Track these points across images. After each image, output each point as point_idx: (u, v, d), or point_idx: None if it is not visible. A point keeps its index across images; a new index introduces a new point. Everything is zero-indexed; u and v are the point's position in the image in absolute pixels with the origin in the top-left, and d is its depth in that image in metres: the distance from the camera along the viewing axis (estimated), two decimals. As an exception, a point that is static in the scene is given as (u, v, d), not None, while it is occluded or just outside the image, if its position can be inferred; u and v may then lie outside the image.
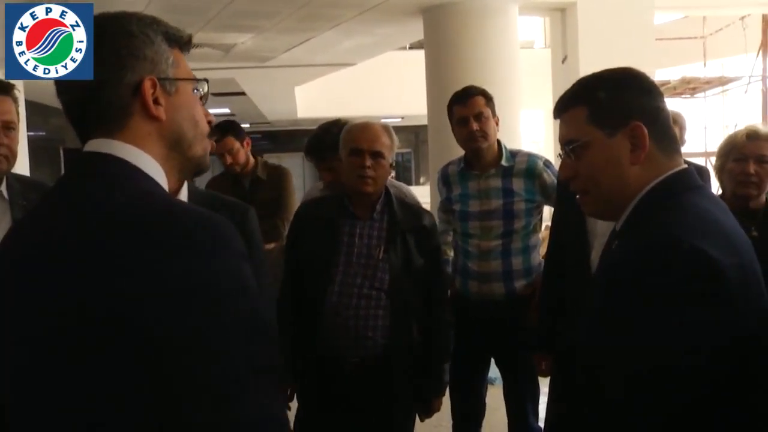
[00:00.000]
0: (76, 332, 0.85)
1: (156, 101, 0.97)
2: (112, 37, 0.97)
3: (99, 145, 0.96)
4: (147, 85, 0.96)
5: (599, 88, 1.24)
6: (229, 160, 3.58)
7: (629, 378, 1.06)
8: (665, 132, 1.22)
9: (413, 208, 2.41)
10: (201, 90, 1.05)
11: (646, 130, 1.18)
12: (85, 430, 0.87)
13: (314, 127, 2.98)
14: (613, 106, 1.21)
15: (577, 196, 1.31)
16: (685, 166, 1.22)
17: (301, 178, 15.33)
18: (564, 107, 1.27)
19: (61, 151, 11.56)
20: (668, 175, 1.19)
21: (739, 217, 2.40)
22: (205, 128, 1.05)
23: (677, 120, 3.83)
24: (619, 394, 1.07)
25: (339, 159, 2.37)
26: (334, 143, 2.49)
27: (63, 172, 1.01)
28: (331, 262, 2.20)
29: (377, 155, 2.20)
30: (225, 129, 3.61)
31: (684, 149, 4.28)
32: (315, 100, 11.29)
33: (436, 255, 2.35)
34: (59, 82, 1.02)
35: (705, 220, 1.12)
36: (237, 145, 3.59)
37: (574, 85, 1.28)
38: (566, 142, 1.26)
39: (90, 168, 0.96)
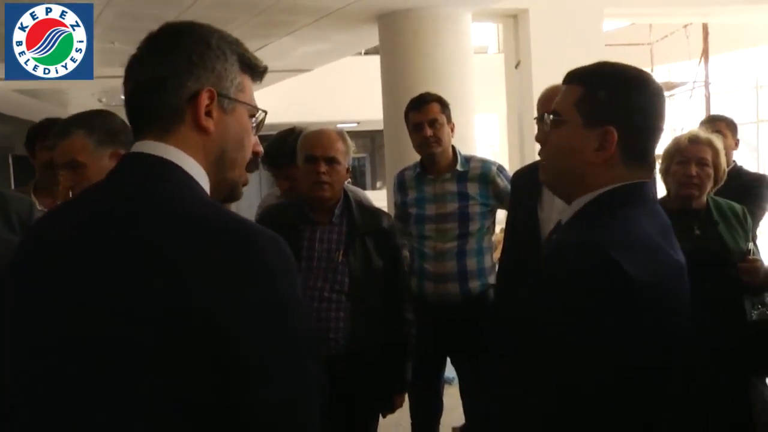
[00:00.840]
0: (142, 336, 0.86)
1: (208, 113, 0.98)
2: (190, 43, 0.99)
3: (154, 147, 0.97)
4: (204, 95, 0.97)
5: (602, 79, 1.24)
6: None
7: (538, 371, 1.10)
8: (638, 147, 1.22)
9: (372, 210, 2.45)
10: (257, 119, 1.06)
11: (616, 138, 1.19)
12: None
13: (270, 132, 2.98)
14: (601, 103, 1.21)
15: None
16: (642, 180, 1.22)
17: (257, 184, 15.20)
18: (570, 79, 1.28)
19: (10, 158, 11.26)
20: (622, 185, 1.20)
21: (683, 216, 2.53)
22: (248, 156, 1.06)
23: None
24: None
25: (296, 167, 2.39)
26: (291, 152, 2.51)
27: (117, 169, 1.01)
28: None
29: (332, 161, 2.25)
30: None
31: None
32: (271, 106, 11.07)
33: (396, 255, 2.40)
34: (127, 76, 1.01)
35: (636, 237, 1.14)
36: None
37: (594, 63, 1.29)
38: (552, 110, 1.29)
39: (150, 171, 0.96)
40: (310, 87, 10.51)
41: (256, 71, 1.05)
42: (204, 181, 0.99)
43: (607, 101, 1.21)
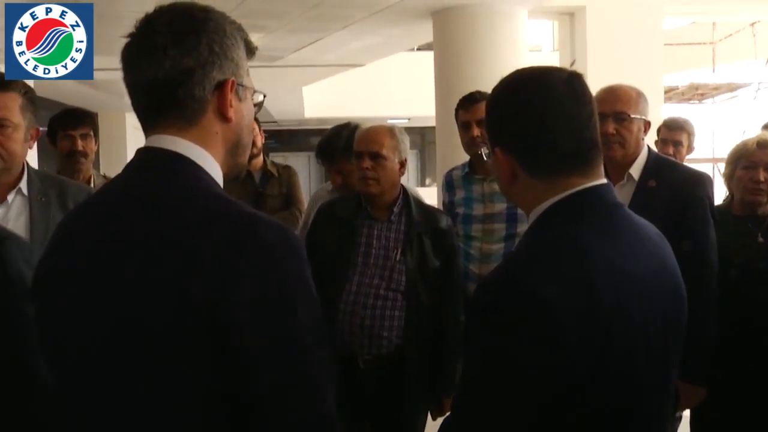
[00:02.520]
0: (149, 325, 0.89)
1: (230, 103, 0.99)
2: (210, 31, 0.98)
3: (168, 142, 0.97)
4: (229, 85, 0.99)
5: (488, 104, 1.21)
6: None
7: (460, 407, 1.05)
8: (539, 158, 1.11)
9: (430, 209, 2.47)
10: (256, 100, 1.07)
11: (502, 157, 1.13)
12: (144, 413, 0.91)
13: (321, 127, 3.03)
14: (489, 131, 1.19)
15: None
16: (579, 189, 1.10)
17: (306, 177, 15.35)
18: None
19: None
20: (553, 203, 1.10)
21: (746, 222, 2.46)
22: (252, 139, 1.08)
23: (685, 127, 3.83)
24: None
25: (348, 162, 2.40)
26: (344, 146, 2.54)
27: (132, 163, 1.02)
28: (348, 262, 2.27)
29: (376, 156, 2.28)
30: None
31: (692, 155, 4.27)
32: (322, 100, 11.30)
33: (452, 256, 2.40)
34: (135, 61, 0.99)
35: (561, 256, 1.04)
36: (257, 128, 3.69)
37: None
38: None
39: (164, 165, 0.97)
40: (361, 82, 10.53)
41: (251, 53, 1.06)
42: (216, 172, 1.00)
43: (490, 125, 1.19)
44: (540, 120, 1.10)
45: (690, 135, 3.77)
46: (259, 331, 0.88)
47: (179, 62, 0.96)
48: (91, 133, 2.94)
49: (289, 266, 0.91)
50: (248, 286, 0.88)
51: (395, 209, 2.33)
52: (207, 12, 1.00)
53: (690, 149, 3.82)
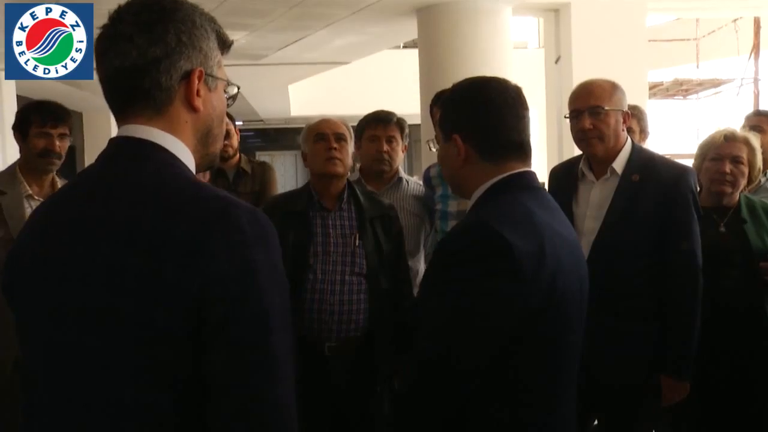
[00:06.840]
0: (125, 311, 0.89)
1: (198, 93, 1.00)
2: (178, 21, 0.98)
3: (140, 131, 0.99)
4: (196, 74, 0.99)
5: (449, 98, 1.47)
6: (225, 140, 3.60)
7: (428, 336, 1.27)
8: (492, 143, 1.39)
9: (375, 196, 2.56)
10: (229, 93, 1.09)
11: (460, 142, 1.38)
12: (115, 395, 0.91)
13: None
14: (445, 119, 1.44)
15: None
16: (520, 170, 1.39)
17: (293, 176, 15.29)
18: (436, 103, 1.54)
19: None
20: (499, 179, 1.38)
21: (712, 213, 2.53)
22: (224, 129, 1.10)
23: (633, 112, 3.72)
24: (420, 354, 1.27)
25: None
26: None
27: (105, 153, 1.03)
28: (308, 252, 2.31)
29: (341, 138, 2.36)
30: None
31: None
32: (308, 98, 11.27)
33: (400, 239, 2.48)
34: (104, 52, 1.00)
35: (516, 214, 1.31)
36: (233, 128, 3.64)
37: (454, 84, 1.50)
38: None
39: (136, 153, 0.98)
40: (347, 80, 10.51)
41: (225, 46, 1.07)
42: (189, 159, 1.01)
43: (449, 115, 1.44)
44: (500, 114, 1.39)
45: (640, 120, 3.65)
46: (228, 310, 0.88)
47: (146, 51, 0.97)
48: (68, 132, 2.74)
49: (258, 248, 0.92)
50: (219, 267, 0.88)
51: (344, 197, 2.40)
52: (176, 3, 1.00)
53: (645, 134, 3.68)
